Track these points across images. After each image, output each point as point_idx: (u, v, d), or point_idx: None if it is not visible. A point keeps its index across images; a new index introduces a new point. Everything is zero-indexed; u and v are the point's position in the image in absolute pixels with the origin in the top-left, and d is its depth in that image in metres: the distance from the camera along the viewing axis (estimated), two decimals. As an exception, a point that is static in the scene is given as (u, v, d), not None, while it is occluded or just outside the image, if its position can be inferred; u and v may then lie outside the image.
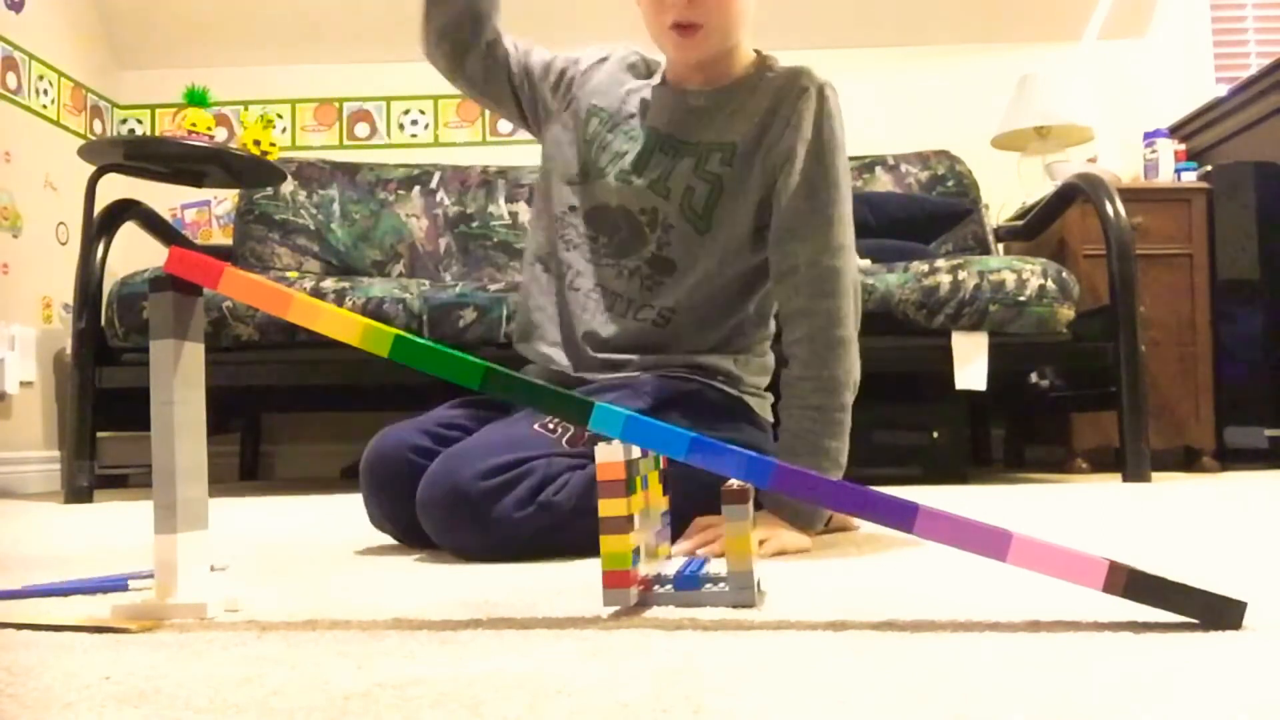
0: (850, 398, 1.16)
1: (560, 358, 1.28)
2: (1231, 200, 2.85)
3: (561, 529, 1.05)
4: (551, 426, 1.12)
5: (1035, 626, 0.65)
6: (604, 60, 1.36)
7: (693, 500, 1.05)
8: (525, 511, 1.04)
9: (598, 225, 1.28)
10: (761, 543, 1.04)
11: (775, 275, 1.21)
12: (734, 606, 0.75)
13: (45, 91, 3.16)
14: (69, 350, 2.50)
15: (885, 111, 3.51)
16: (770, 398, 1.32)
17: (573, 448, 1.11)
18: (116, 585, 0.90)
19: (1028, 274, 2.31)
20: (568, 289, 1.28)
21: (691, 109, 1.25)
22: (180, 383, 0.75)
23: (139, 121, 3.62)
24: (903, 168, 3.18)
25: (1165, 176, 3.01)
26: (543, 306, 1.31)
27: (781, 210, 1.19)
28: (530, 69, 1.34)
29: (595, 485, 1.05)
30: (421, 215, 3.16)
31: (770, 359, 1.33)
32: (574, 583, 0.89)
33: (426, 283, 2.40)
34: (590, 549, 0.99)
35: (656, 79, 1.31)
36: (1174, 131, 3.26)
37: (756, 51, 1.28)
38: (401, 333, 0.72)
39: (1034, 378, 2.79)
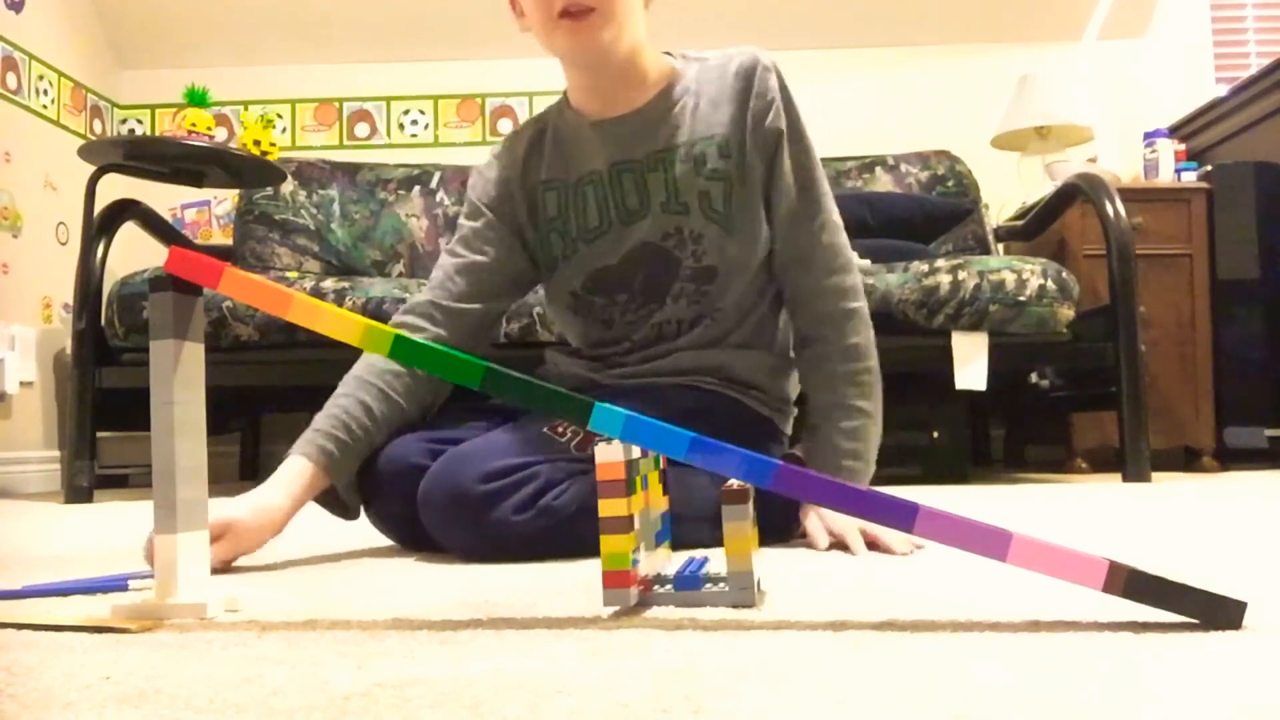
0: (875, 363, 1.18)
1: (583, 369, 1.28)
2: (1231, 200, 2.85)
3: (561, 532, 1.04)
4: (561, 430, 1.10)
5: (1035, 626, 0.65)
6: (515, 142, 1.32)
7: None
8: (525, 515, 1.03)
9: (607, 285, 1.25)
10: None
11: (784, 260, 1.20)
12: (734, 606, 0.75)
13: (45, 91, 3.16)
14: (69, 350, 2.50)
15: (885, 111, 3.52)
16: (795, 411, 1.31)
17: (581, 452, 1.09)
18: (116, 585, 0.90)
19: (1028, 274, 2.31)
20: (609, 360, 1.27)
21: (633, 119, 1.21)
22: (180, 383, 0.75)
23: (139, 121, 3.62)
24: (903, 168, 3.18)
25: (1165, 176, 3.01)
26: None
27: (780, 195, 1.19)
28: (516, 237, 1.31)
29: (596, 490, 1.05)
30: (421, 215, 3.16)
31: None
32: (574, 583, 0.89)
33: (426, 283, 2.39)
34: (590, 551, 0.99)
35: (580, 121, 1.23)
36: (1174, 131, 3.26)
37: (667, 53, 1.24)
38: (401, 332, 0.72)
39: (1034, 378, 2.79)
